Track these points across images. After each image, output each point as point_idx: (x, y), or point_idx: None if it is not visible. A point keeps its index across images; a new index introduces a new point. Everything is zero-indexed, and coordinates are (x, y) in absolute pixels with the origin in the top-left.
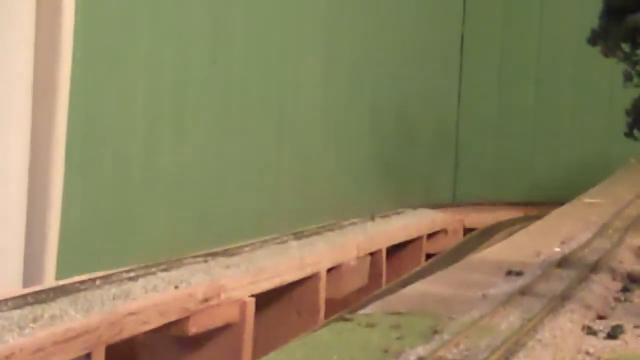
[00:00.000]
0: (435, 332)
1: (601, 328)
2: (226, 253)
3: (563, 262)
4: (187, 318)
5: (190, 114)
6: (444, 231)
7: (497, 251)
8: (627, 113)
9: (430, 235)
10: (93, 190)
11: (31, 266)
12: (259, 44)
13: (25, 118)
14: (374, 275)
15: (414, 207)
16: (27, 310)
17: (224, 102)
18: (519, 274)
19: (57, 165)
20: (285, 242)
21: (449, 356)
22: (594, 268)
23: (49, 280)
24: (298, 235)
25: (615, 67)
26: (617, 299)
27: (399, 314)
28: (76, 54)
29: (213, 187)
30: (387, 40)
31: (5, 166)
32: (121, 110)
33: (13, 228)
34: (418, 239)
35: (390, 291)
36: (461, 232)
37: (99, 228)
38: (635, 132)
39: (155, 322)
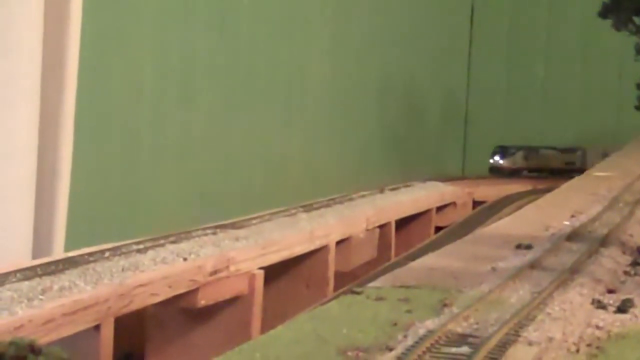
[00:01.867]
0: (445, 305)
1: (611, 302)
2: (235, 225)
3: (573, 236)
4: (196, 290)
5: (198, 88)
6: (453, 204)
7: (507, 224)
8: (638, 87)
9: (439, 208)
10: (102, 164)
11: (40, 238)
12: (267, 18)
13: (34, 93)
14: (383, 248)
15: (424, 180)
16: (36, 282)
17: (231, 77)
18: (528, 247)
19: (66, 139)
20: (294, 214)
21: (459, 329)
22: (604, 242)
23: (58, 252)
24: (307, 208)
25: (624, 43)
26: (627, 273)
27: (408, 287)
28: (85, 29)
29: (221, 160)
30: (396, 14)
31: (14, 140)
32: (129, 85)
33: (22, 200)
34: (427, 211)
35: (399, 264)
36: (470, 205)
37: (108, 201)
38: None
39: (164, 294)
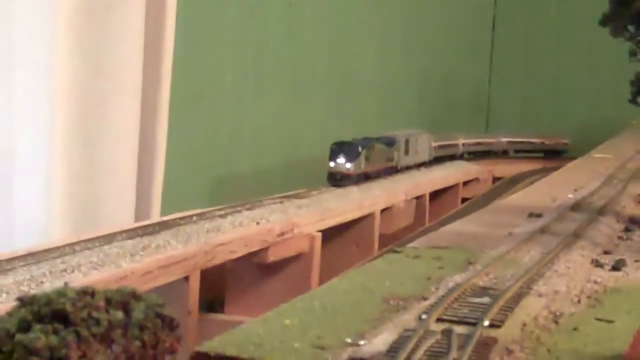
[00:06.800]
0: (470, 263)
1: (607, 261)
2: (298, 196)
3: (576, 207)
4: (266, 248)
5: (269, 81)
6: (476, 179)
7: (521, 197)
8: (631, 84)
9: (465, 183)
10: (190, 145)
11: (141, 205)
12: (326, 24)
13: (136, 86)
14: (419, 215)
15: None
16: (137, 241)
17: (296, 72)
18: (539, 216)
19: (161, 124)
20: (347, 187)
21: (481, 283)
22: (601, 212)
23: (155, 216)
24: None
25: (623, 47)
26: (620, 238)
27: (440, 247)
28: (178, 31)
29: (288, 141)
30: (433, 17)
31: (120, 126)
32: (213, 78)
33: (127, 175)
34: (455, 185)
35: (432, 229)
36: (491, 181)
37: (196, 175)
38: (638, 99)
39: (241, 252)
